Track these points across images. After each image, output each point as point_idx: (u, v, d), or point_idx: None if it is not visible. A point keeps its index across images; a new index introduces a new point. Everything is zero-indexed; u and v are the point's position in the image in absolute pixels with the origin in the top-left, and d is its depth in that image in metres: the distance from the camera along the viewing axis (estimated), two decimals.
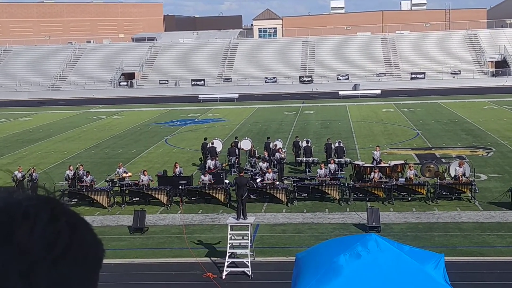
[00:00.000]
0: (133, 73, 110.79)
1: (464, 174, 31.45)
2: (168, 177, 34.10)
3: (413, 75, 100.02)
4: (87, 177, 32.91)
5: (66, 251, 1.50)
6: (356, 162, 36.34)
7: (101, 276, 1.64)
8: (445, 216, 28.54)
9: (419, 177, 32.37)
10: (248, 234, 23.37)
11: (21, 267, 1.43)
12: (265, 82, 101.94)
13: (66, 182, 33.76)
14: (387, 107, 72.62)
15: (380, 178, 31.87)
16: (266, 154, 37.32)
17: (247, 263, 22.43)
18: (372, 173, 32.11)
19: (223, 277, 22.22)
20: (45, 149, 51.01)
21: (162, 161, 43.55)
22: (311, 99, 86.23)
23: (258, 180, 31.86)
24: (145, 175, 32.63)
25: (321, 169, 32.86)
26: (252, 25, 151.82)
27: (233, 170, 38.02)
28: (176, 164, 34.72)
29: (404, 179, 32.11)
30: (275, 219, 29.01)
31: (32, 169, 34.12)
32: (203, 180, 32.25)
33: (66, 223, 1.53)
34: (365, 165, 34.97)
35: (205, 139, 42.64)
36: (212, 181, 32.14)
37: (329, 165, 34.03)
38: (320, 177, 32.12)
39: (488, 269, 22.13)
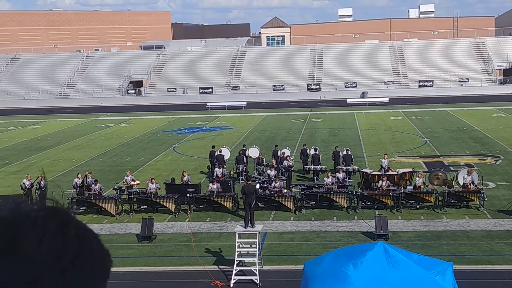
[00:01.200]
0: (141, 81, 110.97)
1: (472, 182, 31.38)
2: (176, 185, 34.13)
3: (421, 83, 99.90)
4: (95, 185, 32.95)
5: (73, 262, 1.51)
6: (364, 170, 36.29)
7: (109, 285, 1.64)
8: (454, 224, 28.46)
9: (427, 185, 32.30)
10: (256, 242, 23.35)
11: (28, 278, 1.44)
12: (273, 90, 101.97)
13: (74, 190, 33.81)
14: (395, 115, 72.53)
15: (388, 186, 31.81)
16: (274, 162, 37.31)
17: (255, 271, 22.41)
18: (380, 181, 32.06)
19: (231, 285, 22.21)
20: (54, 157, 51.13)
21: (170, 169, 43.59)
22: (319, 107, 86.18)
23: (258, 187, 31.78)
24: (152, 183, 32.67)
25: (327, 177, 32.88)
26: (260, 33, 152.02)
27: (240, 178, 38.03)
28: (184, 173, 34.77)
29: (412, 187, 32.05)
30: (283, 227, 28.98)
31: (41, 177, 34.18)
32: (211, 188, 32.26)
33: (74, 235, 1.54)
34: (373, 173, 34.93)
35: (213, 147, 42.69)
36: (220, 189, 32.17)
37: (337, 173, 33.98)
38: (327, 185, 32.12)
39: (497, 278, 22.05)
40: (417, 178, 32.29)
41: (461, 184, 31.67)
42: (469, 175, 31.66)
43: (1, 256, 1.44)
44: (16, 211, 1.50)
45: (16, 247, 1.45)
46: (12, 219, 1.48)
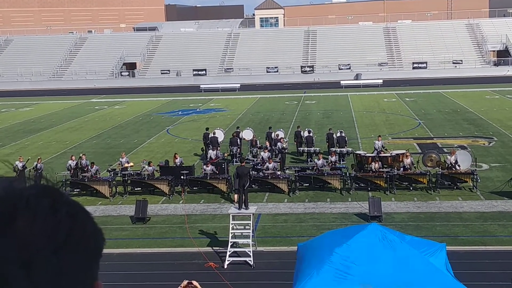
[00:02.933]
0: (135, 63, 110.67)
1: (456, 162, 31.48)
2: (170, 167, 34.13)
3: (415, 65, 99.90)
4: (92, 167, 32.91)
5: (66, 240, 1.50)
6: (358, 152, 36.35)
7: (103, 266, 1.64)
8: (447, 206, 28.56)
9: (414, 166, 32.25)
10: (250, 223, 23.41)
11: (21, 257, 1.43)
12: (267, 72, 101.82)
13: (68, 172, 33.77)
14: (389, 97, 72.54)
15: (380, 168, 31.92)
16: (267, 144, 37.31)
17: (249, 252, 22.48)
18: (373, 163, 32.11)
19: (225, 266, 22.26)
20: (47, 139, 51.04)
21: (164, 151, 43.57)
22: (312, 88, 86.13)
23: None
24: (150, 166, 32.64)
25: (318, 159, 32.94)
26: (253, 14, 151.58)
27: (234, 160, 38.03)
28: (176, 155, 34.70)
29: (402, 168, 32.15)
30: (276, 209, 29.03)
31: (38, 159, 34.23)
32: (205, 170, 32.28)
33: (66, 213, 1.53)
34: (367, 155, 34.97)
35: (207, 129, 42.65)
36: (217, 172, 32.19)
37: (330, 157, 33.95)
38: (317, 167, 32.18)
39: (490, 259, 22.16)
40: (405, 159, 32.42)
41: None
42: (452, 155, 31.91)
43: None
44: (9, 189, 1.50)
45: (9, 226, 1.44)
46: (4, 197, 1.48)
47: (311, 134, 39.74)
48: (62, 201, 1.54)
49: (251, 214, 24.04)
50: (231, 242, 23.00)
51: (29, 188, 1.52)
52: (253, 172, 32.10)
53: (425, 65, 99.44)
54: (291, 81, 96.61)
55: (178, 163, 33.89)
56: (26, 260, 1.44)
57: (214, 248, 24.13)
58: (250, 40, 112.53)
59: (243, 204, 25.22)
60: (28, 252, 1.44)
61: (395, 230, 15.56)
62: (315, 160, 33.74)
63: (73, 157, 34.68)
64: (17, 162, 34.30)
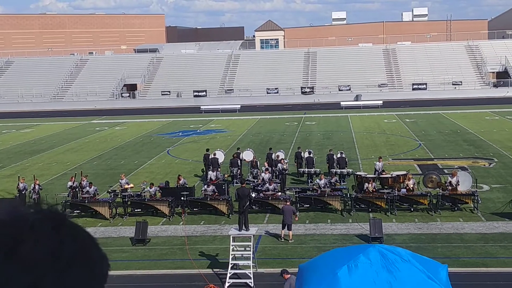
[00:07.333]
0: (135, 84, 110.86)
1: (458, 183, 31.44)
2: (170, 188, 34.07)
3: (414, 86, 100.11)
4: (90, 188, 32.88)
5: (71, 264, 1.51)
6: (358, 173, 36.33)
7: None
8: (448, 227, 28.49)
9: (415, 185, 32.19)
10: (250, 245, 23.34)
11: (27, 280, 1.44)
12: (267, 93, 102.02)
13: (68, 193, 33.71)
14: (389, 118, 72.64)
15: (375, 189, 31.85)
16: (266, 164, 37.27)
17: (249, 274, 22.40)
18: (366, 184, 32.04)
19: None
20: (47, 160, 51.01)
21: (164, 172, 43.56)
22: (313, 110, 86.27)
23: (254, 195, 31.77)
24: (151, 188, 32.60)
25: (320, 179, 32.91)
26: (254, 36, 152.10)
27: (235, 181, 38.01)
28: (180, 177, 34.65)
29: (405, 190, 32.11)
30: (277, 230, 28.92)
31: (36, 181, 34.27)
32: (206, 190, 32.21)
33: (70, 237, 1.54)
34: (367, 176, 34.94)
35: (207, 150, 42.65)
36: (216, 193, 32.09)
37: (329, 177, 33.89)
38: (320, 187, 32.13)
39: (491, 280, 22.08)
40: (407, 180, 32.42)
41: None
42: (454, 177, 31.87)
43: (1, 259, 1.44)
44: (13, 214, 1.50)
45: (15, 250, 1.45)
46: (10, 222, 1.48)
47: (311, 155, 39.74)
48: (66, 225, 1.55)
49: (252, 236, 23.99)
50: (231, 263, 22.93)
51: (34, 213, 1.53)
52: (254, 193, 32.02)
53: (425, 86, 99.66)
54: (291, 102, 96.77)
55: (182, 184, 33.84)
56: (31, 283, 1.44)
57: (214, 269, 24.05)
58: (250, 61, 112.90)
59: (243, 225, 25.16)
60: (34, 276, 1.45)
61: (396, 247, 15.46)
62: (317, 180, 33.70)
63: (73, 178, 34.59)
64: (19, 183, 34.41)
